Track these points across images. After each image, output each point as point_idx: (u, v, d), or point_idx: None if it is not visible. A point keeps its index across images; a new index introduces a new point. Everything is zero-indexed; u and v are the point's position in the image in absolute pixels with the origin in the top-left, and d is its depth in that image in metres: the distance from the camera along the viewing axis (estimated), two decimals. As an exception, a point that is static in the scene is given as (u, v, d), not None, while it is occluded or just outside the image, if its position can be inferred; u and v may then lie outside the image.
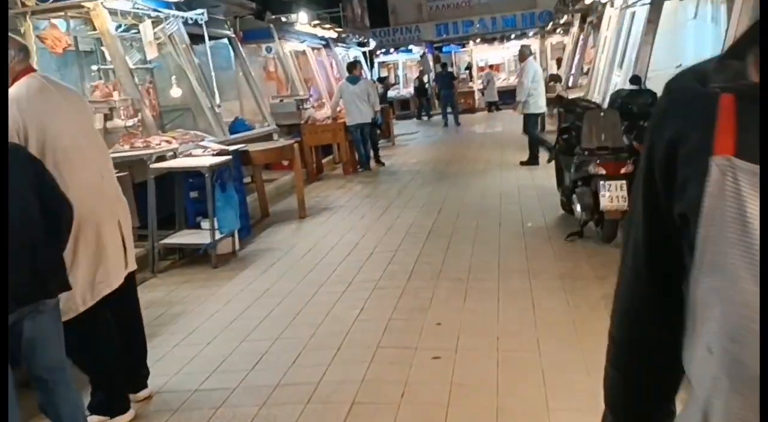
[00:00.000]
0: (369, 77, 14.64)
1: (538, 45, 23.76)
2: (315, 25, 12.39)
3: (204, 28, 7.66)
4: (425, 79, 22.31)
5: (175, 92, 7.38)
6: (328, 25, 13.28)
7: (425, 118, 21.36)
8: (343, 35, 15.36)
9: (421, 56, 24.49)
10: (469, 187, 8.66)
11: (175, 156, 6.26)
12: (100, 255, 2.67)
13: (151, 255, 5.79)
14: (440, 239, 5.90)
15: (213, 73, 7.77)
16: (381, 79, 17.61)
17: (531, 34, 23.83)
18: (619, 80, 8.59)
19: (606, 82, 9.87)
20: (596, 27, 13.47)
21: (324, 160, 11.90)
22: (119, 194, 2.84)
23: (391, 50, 24.68)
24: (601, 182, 5.16)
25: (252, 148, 7.31)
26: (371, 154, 11.65)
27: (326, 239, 6.38)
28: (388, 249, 5.71)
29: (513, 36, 23.97)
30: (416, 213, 7.14)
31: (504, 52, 24.51)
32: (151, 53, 6.51)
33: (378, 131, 11.93)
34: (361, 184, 9.91)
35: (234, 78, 10.47)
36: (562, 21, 16.90)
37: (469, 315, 3.96)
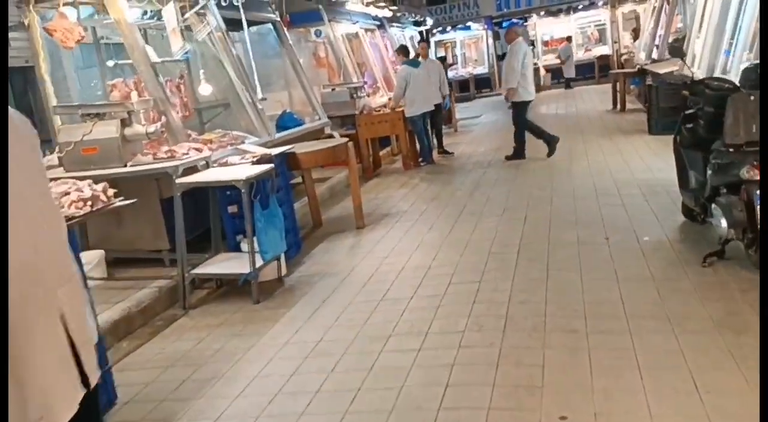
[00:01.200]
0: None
1: (608, 15, 21.92)
2: (368, 4, 11.21)
3: (242, 10, 6.59)
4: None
5: (204, 89, 6.36)
6: (382, 3, 12.07)
7: None
8: (398, 14, 14.11)
9: (524, 21, 22.67)
10: (554, 182, 7.36)
11: (208, 165, 5.25)
12: (26, 378, 1.61)
13: (182, 288, 4.81)
14: (535, 263, 4.68)
15: (253, 63, 6.72)
16: (441, 59, 16.06)
17: (600, 3, 21.95)
18: (738, 53, 7.06)
19: (713, 54, 8.31)
20: (689, -11, 11.77)
21: (381, 152, 10.79)
22: (66, 273, 1.77)
23: (448, 28, 23.24)
24: (759, 191, 3.83)
25: (300, 149, 6.24)
26: (434, 144, 10.48)
27: (389, 261, 5.25)
28: (469, 278, 4.53)
29: (581, 6, 22.16)
30: (497, 223, 5.92)
31: (571, 25, 22.66)
32: (175, 43, 5.48)
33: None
34: (425, 181, 8.74)
35: (281, 67, 9.41)
36: (641, -14, 15.11)
37: (605, 402, 2.75)
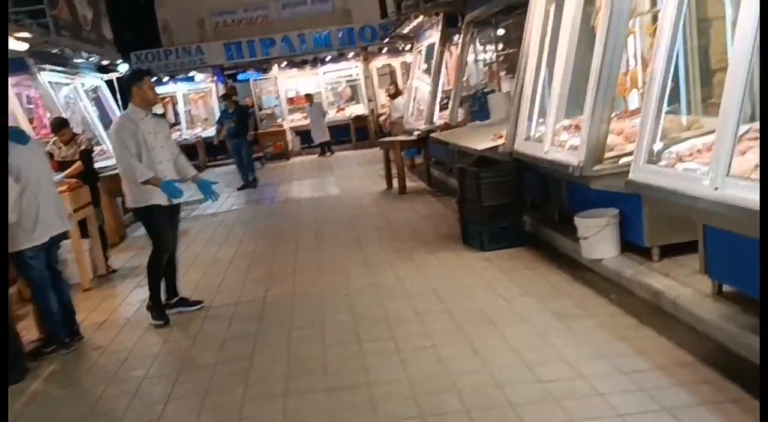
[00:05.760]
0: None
1: (361, 69, 18.78)
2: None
3: None
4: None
5: None
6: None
7: None
8: (54, 50, 8.67)
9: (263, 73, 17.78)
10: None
11: None
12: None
13: None
14: None
15: None
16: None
17: (351, 55, 18.77)
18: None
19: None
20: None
21: None
22: None
23: (165, 78, 18.08)
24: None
25: None
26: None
27: None
28: None
29: (328, 58, 18.72)
30: None
31: (319, 78, 19.10)
32: None
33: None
34: None
35: None
36: (407, 29, 11.77)
37: None
